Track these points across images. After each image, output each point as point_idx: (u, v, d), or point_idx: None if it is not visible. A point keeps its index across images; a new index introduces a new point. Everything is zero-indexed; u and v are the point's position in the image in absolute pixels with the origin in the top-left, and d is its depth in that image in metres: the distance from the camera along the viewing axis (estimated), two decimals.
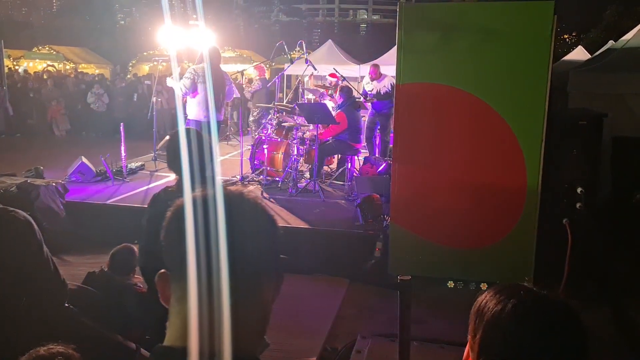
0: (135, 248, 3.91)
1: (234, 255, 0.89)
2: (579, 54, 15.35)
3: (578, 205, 4.93)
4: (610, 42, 11.01)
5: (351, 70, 15.80)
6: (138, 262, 2.79)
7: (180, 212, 0.95)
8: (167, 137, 3.02)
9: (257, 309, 0.95)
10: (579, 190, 4.94)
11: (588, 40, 30.54)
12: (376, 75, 9.22)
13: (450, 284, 5.11)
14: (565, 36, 43.83)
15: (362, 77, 10.28)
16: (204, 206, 0.93)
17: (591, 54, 12.59)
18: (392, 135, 9.54)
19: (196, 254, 0.89)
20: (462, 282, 5.10)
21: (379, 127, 9.29)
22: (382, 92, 9.05)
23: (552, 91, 4.82)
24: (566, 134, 5.10)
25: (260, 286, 0.95)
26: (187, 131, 2.85)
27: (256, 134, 9.24)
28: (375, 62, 10.86)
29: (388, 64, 10.76)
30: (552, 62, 4.76)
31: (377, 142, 9.34)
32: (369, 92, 9.16)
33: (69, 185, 7.11)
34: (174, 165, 2.78)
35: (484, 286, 4.90)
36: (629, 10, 31.94)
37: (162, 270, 0.97)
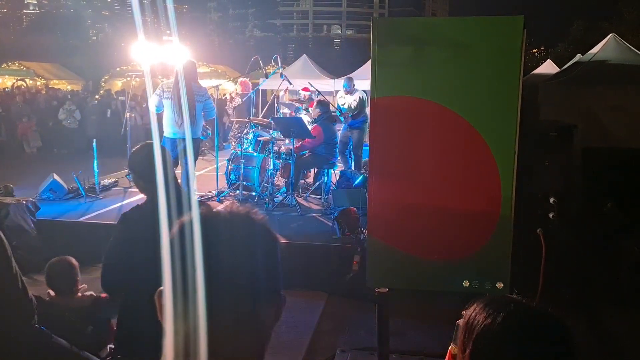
0: (74, 260, 3.79)
1: (235, 276, 0.88)
2: (547, 67, 15.74)
3: (551, 215, 5.01)
4: (578, 56, 11.30)
5: (326, 84, 15.88)
6: (101, 281, 2.65)
7: (185, 230, 0.93)
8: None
9: (256, 331, 0.93)
10: (551, 200, 5.02)
11: (556, 54, 31.42)
12: (351, 89, 9.26)
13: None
14: (534, 50, 45.01)
15: (337, 92, 10.32)
16: (208, 225, 0.91)
17: (559, 68, 12.90)
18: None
19: (196, 273, 0.87)
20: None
21: (352, 141, 9.33)
22: (352, 107, 9.09)
23: (523, 103, 4.91)
24: (538, 145, 5.20)
25: (260, 308, 0.93)
26: (149, 147, 2.76)
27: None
28: (349, 75, 10.92)
29: (362, 78, 10.85)
30: (522, 74, 4.85)
31: (351, 156, 9.37)
32: (342, 106, 9.16)
33: (40, 203, 6.96)
34: (143, 184, 2.73)
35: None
36: (594, 25, 33.00)
37: (162, 288, 0.95)
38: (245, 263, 0.89)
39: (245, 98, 10.80)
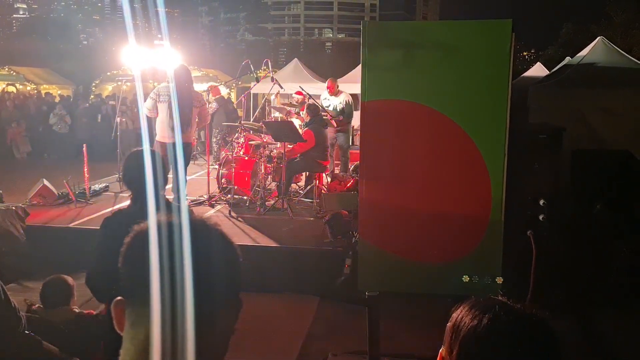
0: (69, 279, 3.77)
1: (193, 282, 0.88)
2: (537, 70, 15.82)
3: (541, 216, 5.04)
4: (567, 59, 11.38)
5: (317, 88, 15.85)
6: (88, 285, 2.64)
7: (139, 238, 0.94)
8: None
9: (213, 338, 0.93)
10: (541, 202, 5.05)
11: (546, 57, 31.70)
12: (334, 90, 9.32)
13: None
14: (525, 53, 45.34)
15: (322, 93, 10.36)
16: (164, 233, 0.92)
17: (549, 70, 12.98)
18: (351, 151, 9.70)
19: (152, 280, 0.87)
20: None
21: (338, 143, 9.36)
22: (337, 109, 9.15)
23: (513, 106, 4.94)
24: (527, 147, 5.23)
25: (217, 315, 0.93)
26: (143, 152, 2.79)
27: (216, 153, 9.16)
28: (341, 79, 10.93)
29: (353, 82, 10.87)
30: (511, 77, 4.88)
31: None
32: (326, 108, 9.20)
33: (30, 209, 6.91)
34: (130, 185, 2.75)
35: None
36: (583, 28, 33.34)
37: (118, 298, 0.95)
38: (199, 269, 0.90)
39: (236, 102, 10.78)
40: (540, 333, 1.10)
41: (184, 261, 0.88)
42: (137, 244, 0.94)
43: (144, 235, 0.93)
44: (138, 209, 2.58)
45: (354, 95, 9.85)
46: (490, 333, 1.09)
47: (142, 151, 2.82)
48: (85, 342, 3.29)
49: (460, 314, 1.16)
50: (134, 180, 2.72)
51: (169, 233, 0.91)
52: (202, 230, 0.95)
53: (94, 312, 3.58)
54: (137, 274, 0.91)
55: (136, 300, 0.91)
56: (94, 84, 21.00)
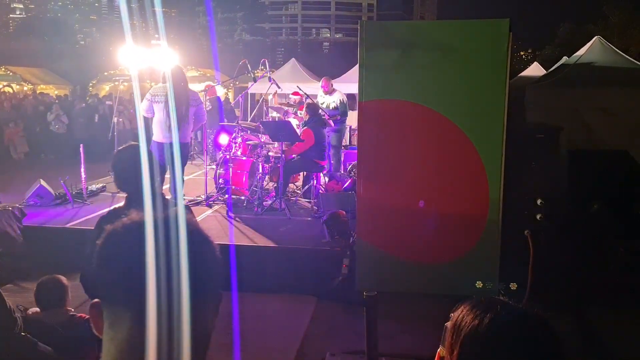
0: (64, 279, 3.75)
1: (170, 279, 0.88)
2: (534, 69, 15.84)
3: (538, 216, 5.05)
4: (564, 58, 11.39)
5: (315, 88, 15.83)
6: (84, 290, 2.61)
7: (112, 237, 0.94)
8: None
9: (194, 333, 0.91)
10: (538, 201, 5.05)
11: (543, 57, 31.78)
12: (328, 89, 9.35)
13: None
14: (522, 53, 45.41)
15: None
16: (139, 230, 0.91)
17: (546, 70, 12.98)
18: (344, 152, 9.72)
19: (130, 278, 0.87)
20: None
21: (331, 142, 9.38)
22: (330, 107, 9.19)
23: (510, 106, 4.94)
24: (525, 147, 5.23)
25: (197, 310, 0.91)
26: (134, 148, 2.75)
27: (212, 154, 9.16)
28: (338, 79, 10.93)
29: (351, 82, 10.88)
30: (509, 77, 4.88)
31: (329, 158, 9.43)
32: (321, 105, 9.23)
33: (26, 210, 6.89)
34: (123, 185, 2.72)
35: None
36: (581, 27, 33.45)
37: (95, 300, 0.95)
38: (176, 266, 0.89)
39: (233, 102, 10.77)
40: (542, 333, 1.10)
41: (160, 258, 0.88)
42: (111, 243, 0.93)
43: (117, 234, 0.93)
44: (133, 208, 2.54)
45: (351, 95, 9.86)
46: (491, 333, 1.09)
47: (131, 147, 2.77)
48: (79, 344, 3.28)
49: (461, 314, 1.16)
50: (126, 181, 2.68)
51: (142, 230, 0.91)
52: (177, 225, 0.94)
53: (86, 316, 3.56)
54: (112, 273, 0.91)
55: (113, 300, 0.90)
56: (91, 84, 20.97)
